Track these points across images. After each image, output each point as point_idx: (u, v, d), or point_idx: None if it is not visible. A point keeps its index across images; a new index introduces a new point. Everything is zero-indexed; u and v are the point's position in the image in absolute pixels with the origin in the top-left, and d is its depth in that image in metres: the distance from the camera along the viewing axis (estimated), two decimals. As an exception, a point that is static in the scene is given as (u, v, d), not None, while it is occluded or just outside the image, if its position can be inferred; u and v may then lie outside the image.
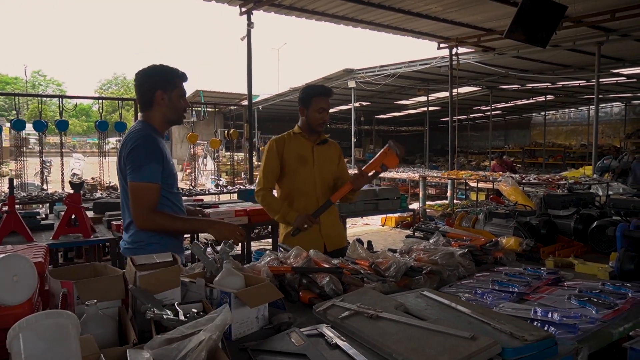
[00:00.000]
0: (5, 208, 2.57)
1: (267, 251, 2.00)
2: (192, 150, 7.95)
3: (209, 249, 1.62)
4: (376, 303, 1.35)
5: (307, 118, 2.57)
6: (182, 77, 2.13)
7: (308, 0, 6.79)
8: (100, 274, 1.27)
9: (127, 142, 2.00)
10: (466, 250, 2.01)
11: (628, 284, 1.58)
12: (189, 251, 2.20)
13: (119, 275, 1.17)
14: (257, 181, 2.65)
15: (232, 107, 16.83)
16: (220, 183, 12.65)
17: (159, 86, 2.05)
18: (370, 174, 2.53)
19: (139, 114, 2.16)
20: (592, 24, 7.22)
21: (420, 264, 1.88)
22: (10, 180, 2.53)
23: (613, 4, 6.52)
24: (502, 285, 1.68)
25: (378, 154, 2.55)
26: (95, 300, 1.03)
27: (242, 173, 14.38)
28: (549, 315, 1.33)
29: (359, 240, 2.14)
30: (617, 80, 12.95)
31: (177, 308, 1.13)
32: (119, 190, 2.16)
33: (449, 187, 9.34)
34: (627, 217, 2.15)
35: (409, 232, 8.07)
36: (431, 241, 2.23)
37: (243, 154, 13.11)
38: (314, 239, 2.57)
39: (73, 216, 2.77)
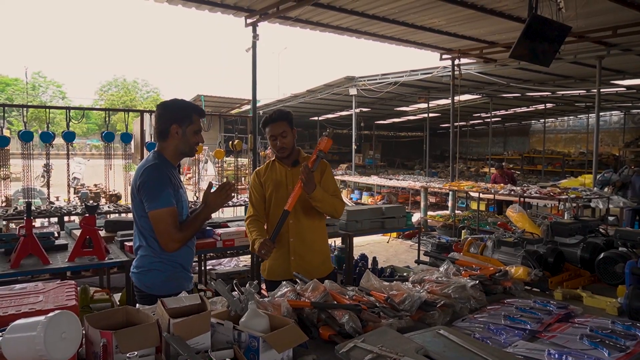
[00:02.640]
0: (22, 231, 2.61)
1: (284, 282, 2.05)
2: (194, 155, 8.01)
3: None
4: (397, 345, 1.40)
5: (269, 146, 2.61)
6: (200, 113, 2.22)
7: (313, 13, 6.85)
8: (133, 319, 1.32)
9: (139, 175, 2.11)
10: (477, 281, 2.06)
11: (638, 324, 1.63)
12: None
13: (153, 323, 1.22)
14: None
15: (234, 114, 16.86)
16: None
17: (175, 120, 2.14)
18: (311, 165, 2.39)
19: (156, 144, 2.25)
20: (594, 39, 7.30)
21: (433, 297, 1.93)
22: (28, 204, 2.58)
23: (615, 21, 6.60)
24: (513, 320, 1.73)
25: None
26: (136, 353, 1.08)
27: (243, 178, 14.42)
28: (564, 359, 1.38)
29: (374, 260, 2.17)
30: (617, 91, 13.05)
31: (211, 356, 1.18)
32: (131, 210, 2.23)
33: (450, 197, 9.40)
34: (633, 249, 2.21)
35: (410, 242, 8.17)
36: (441, 269, 2.29)
37: (246, 159, 13.15)
38: (281, 264, 2.52)
39: (87, 236, 2.82)
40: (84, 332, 1.24)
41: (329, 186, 2.56)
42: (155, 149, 2.21)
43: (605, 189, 7.71)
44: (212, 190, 2.22)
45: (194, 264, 5.27)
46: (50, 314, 0.98)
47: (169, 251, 2.09)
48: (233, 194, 2.33)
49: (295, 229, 2.50)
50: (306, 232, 2.54)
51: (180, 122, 2.13)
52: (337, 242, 5.01)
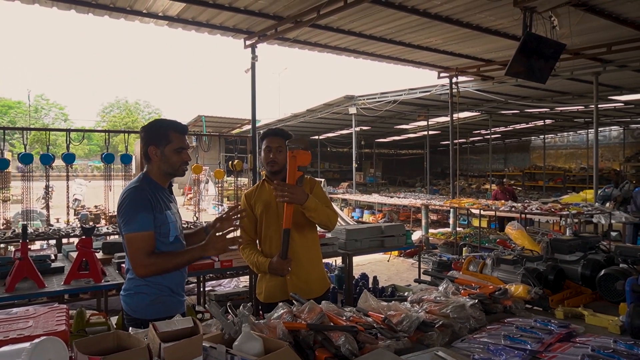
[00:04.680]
0: (18, 254, 2.59)
1: (280, 303, 2.03)
2: (194, 176, 8.09)
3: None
4: (393, 368, 1.37)
5: (261, 161, 2.59)
6: (178, 130, 2.15)
7: (311, 34, 6.94)
8: (124, 343, 1.30)
9: (120, 196, 2.11)
10: (476, 300, 2.03)
11: (640, 342, 1.59)
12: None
13: (144, 347, 1.20)
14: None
15: (234, 135, 16.96)
16: (222, 210, 12.71)
17: (151, 142, 2.12)
18: (296, 182, 2.37)
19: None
20: (590, 56, 7.37)
21: (432, 317, 1.90)
22: (24, 227, 2.57)
23: (609, 38, 6.68)
24: (514, 340, 1.70)
25: (288, 162, 2.36)
26: (125, 380, 1.05)
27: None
28: (564, 380, 1.35)
29: (374, 279, 2.15)
30: (615, 106, 13.12)
31: (202, 382, 1.15)
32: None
33: (451, 215, 9.36)
34: (634, 265, 2.18)
35: (412, 260, 8.10)
36: (440, 288, 2.25)
37: (246, 179, 13.20)
38: (277, 284, 2.49)
39: (83, 259, 2.80)
40: (72, 357, 1.22)
41: (320, 200, 2.52)
42: (144, 170, 2.21)
43: (607, 204, 7.67)
44: (221, 234, 2.14)
45: (192, 285, 5.24)
46: (36, 341, 0.96)
47: (139, 276, 2.04)
48: (234, 246, 2.19)
49: (290, 248, 2.43)
50: (300, 251, 2.51)
51: (156, 143, 2.11)
52: (337, 261, 4.97)
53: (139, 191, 2.06)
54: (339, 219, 2.67)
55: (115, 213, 2.16)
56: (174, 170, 2.17)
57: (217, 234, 2.16)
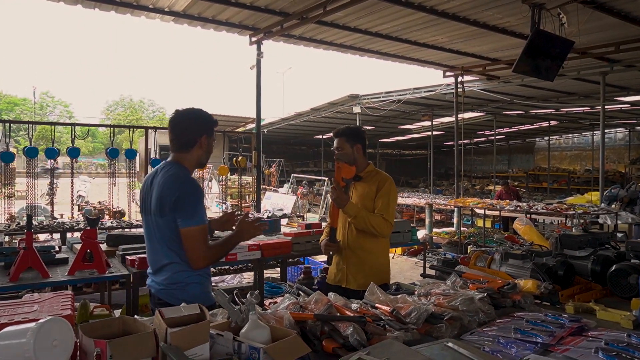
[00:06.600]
0: (23, 244, 2.58)
1: (287, 294, 2.00)
2: (198, 173, 8.07)
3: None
4: (403, 358, 1.35)
5: None
6: (216, 124, 2.25)
7: (316, 31, 6.92)
8: (130, 328, 1.28)
9: (175, 189, 1.98)
10: (485, 294, 2.00)
11: (654, 337, 1.56)
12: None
13: (150, 332, 1.18)
14: None
15: (239, 132, 16.94)
16: (225, 207, 12.66)
17: (205, 131, 2.12)
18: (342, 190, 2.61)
19: (171, 154, 2.14)
20: (597, 55, 7.32)
21: (440, 309, 1.87)
22: (29, 217, 2.56)
23: (618, 37, 6.62)
24: (524, 333, 1.67)
25: (335, 171, 2.62)
26: (131, 363, 1.03)
27: (247, 196, 14.40)
28: (578, 373, 1.32)
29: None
30: (621, 107, 13.04)
31: (209, 368, 1.13)
32: (144, 227, 2.16)
33: (455, 214, 9.32)
34: (645, 261, 2.15)
35: (415, 259, 8.06)
36: (448, 282, 2.23)
37: (250, 177, 13.18)
38: (336, 270, 2.74)
39: (88, 250, 2.78)
40: (77, 341, 1.20)
41: (378, 204, 2.62)
42: (172, 159, 2.10)
43: (613, 205, 7.62)
44: (249, 219, 2.22)
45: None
46: (41, 320, 0.94)
47: (196, 268, 2.03)
48: (264, 229, 2.34)
49: (348, 240, 2.67)
50: (358, 243, 2.65)
51: (209, 132, 2.13)
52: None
53: (196, 183, 2.08)
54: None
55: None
56: (207, 160, 2.20)
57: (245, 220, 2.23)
